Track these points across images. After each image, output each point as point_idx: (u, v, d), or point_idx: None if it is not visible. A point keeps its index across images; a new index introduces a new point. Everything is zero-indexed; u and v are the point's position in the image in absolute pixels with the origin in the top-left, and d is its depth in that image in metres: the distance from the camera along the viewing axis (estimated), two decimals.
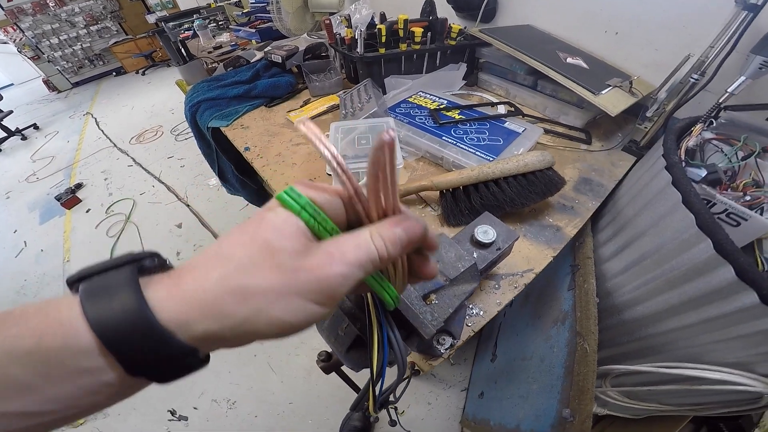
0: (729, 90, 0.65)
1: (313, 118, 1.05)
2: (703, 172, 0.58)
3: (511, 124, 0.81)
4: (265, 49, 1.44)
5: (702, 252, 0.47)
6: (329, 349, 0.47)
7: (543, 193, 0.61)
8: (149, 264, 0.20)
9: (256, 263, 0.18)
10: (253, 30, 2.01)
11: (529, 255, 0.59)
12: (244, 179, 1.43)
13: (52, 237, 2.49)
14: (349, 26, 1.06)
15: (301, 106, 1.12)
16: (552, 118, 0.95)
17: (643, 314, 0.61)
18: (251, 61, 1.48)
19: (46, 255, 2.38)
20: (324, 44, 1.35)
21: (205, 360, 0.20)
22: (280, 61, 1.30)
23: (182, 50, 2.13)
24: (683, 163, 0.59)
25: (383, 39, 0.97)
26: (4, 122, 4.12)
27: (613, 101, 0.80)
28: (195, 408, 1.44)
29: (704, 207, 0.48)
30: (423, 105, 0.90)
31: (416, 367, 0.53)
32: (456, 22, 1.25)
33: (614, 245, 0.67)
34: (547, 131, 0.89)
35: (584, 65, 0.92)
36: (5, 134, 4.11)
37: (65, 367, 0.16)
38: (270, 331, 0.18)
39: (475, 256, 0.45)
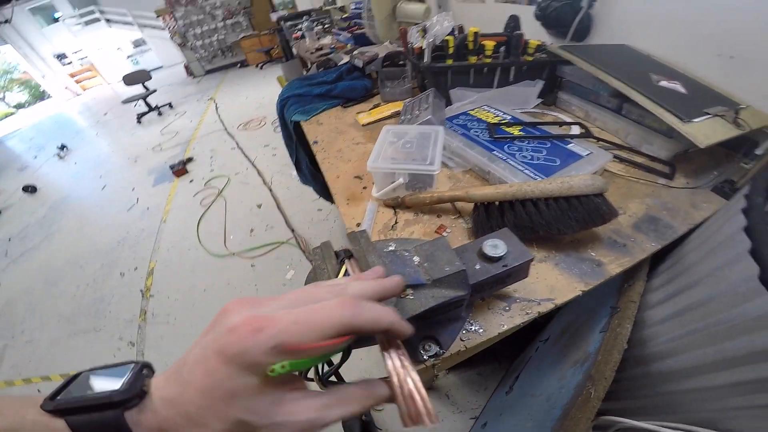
0: None
1: (377, 121, 1.11)
2: None
3: (575, 147, 0.76)
4: (351, 54, 1.55)
5: (756, 308, 0.40)
6: None
7: (585, 222, 0.56)
8: (134, 403, 0.23)
9: (207, 414, 0.21)
10: (350, 35, 2.16)
11: (554, 284, 0.55)
12: (315, 171, 1.56)
13: (159, 199, 2.99)
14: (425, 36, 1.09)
15: (370, 109, 1.18)
16: (633, 146, 0.86)
17: (671, 368, 0.53)
18: (339, 64, 1.62)
19: (149, 213, 2.86)
20: (402, 53, 1.40)
21: None
22: (361, 65, 1.40)
23: (285, 49, 2.39)
24: None
25: (450, 50, 0.98)
26: (149, 99, 5.07)
27: (706, 131, 0.70)
28: None
29: None
30: (483, 118, 0.89)
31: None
32: (545, 40, 1.20)
33: (664, 292, 0.58)
34: (621, 159, 0.81)
35: (682, 90, 0.81)
36: (147, 109, 5.06)
37: None
38: None
39: (477, 267, 0.44)
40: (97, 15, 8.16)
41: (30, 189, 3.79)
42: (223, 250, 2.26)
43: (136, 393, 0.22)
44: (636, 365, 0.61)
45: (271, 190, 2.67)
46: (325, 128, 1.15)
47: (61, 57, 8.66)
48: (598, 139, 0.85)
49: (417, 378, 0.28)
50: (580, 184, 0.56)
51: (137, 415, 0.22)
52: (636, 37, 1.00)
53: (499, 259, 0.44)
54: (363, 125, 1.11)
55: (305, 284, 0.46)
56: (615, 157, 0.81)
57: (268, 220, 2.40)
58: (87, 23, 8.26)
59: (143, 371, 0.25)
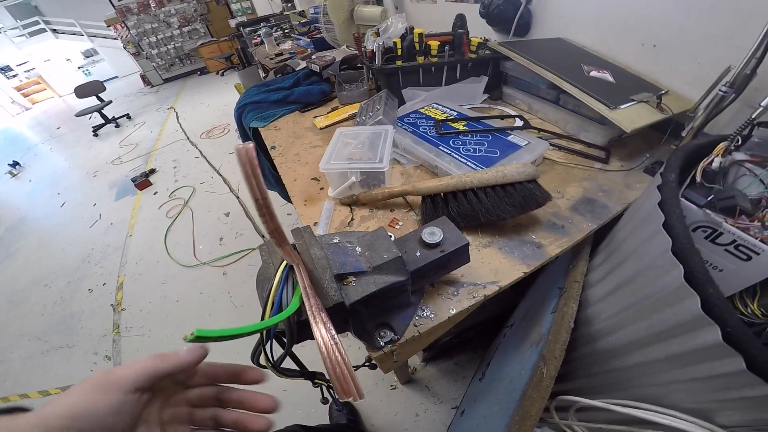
0: (763, 104, 0.58)
1: (334, 124, 1.12)
2: (711, 196, 0.52)
3: (515, 138, 0.80)
4: (308, 59, 1.55)
5: (673, 280, 0.43)
6: None
7: (521, 207, 0.59)
8: None
9: None
10: (309, 39, 2.16)
11: (498, 268, 0.58)
12: (278, 176, 1.55)
13: (122, 213, 2.88)
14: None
15: (328, 113, 1.19)
16: (573, 134, 0.91)
17: (613, 345, 0.57)
18: (296, 69, 1.61)
19: (113, 228, 2.75)
20: (357, 56, 1.42)
21: None
22: (318, 70, 1.40)
23: (242, 56, 2.36)
24: (696, 183, 0.54)
25: (399, 52, 1.01)
26: (105, 111, 4.82)
27: (632, 117, 0.75)
28: None
29: (685, 231, 0.44)
30: (432, 116, 0.92)
31: (372, 360, 0.55)
32: (492, 37, 1.25)
33: (602, 270, 0.63)
34: (560, 147, 0.86)
35: (610, 79, 0.87)
36: (103, 121, 4.81)
37: None
38: None
39: (417, 254, 0.47)
40: (42, 26, 7.68)
41: None
42: (193, 260, 2.21)
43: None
44: (584, 344, 0.64)
45: (238, 198, 2.63)
46: (282, 133, 1.15)
47: (4, 70, 8.08)
48: (539, 130, 0.90)
49: (343, 352, 0.32)
50: (513, 172, 0.60)
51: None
52: (571, 30, 1.07)
53: (436, 245, 0.47)
54: (320, 129, 1.12)
55: (256, 279, 0.46)
56: (553, 145, 0.86)
57: (237, 228, 2.36)
58: (31, 34, 7.76)
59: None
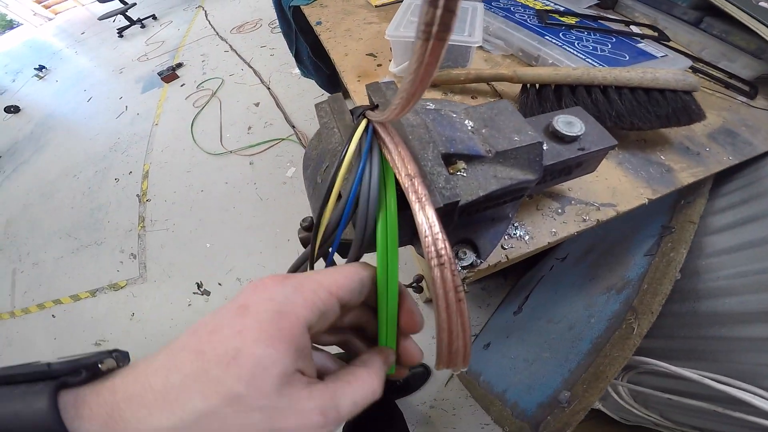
0: None
1: (393, 2, 0.93)
2: None
3: (647, 47, 0.62)
4: None
5: None
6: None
7: (667, 119, 0.45)
8: (76, 380, 0.15)
9: (217, 420, 0.14)
10: None
11: (617, 187, 0.45)
12: (317, 62, 1.42)
13: (149, 105, 2.81)
14: None
15: None
16: (710, 61, 0.72)
17: (727, 310, 0.46)
18: None
19: (140, 118, 2.70)
20: None
21: None
22: None
23: None
24: None
25: None
26: (128, 13, 4.62)
27: None
28: (219, 284, 1.55)
29: None
30: (530, 5, 0.72)
31: (420, 282, 0.44)
32: None
33: (733, 216, 0.49)
34: (696, 71, 0.68)
35: None
36: (128, 23, 4.61)
37: None
38: None
39: (545, 148, 0.33)
40: None
41: (12, 109, 3.63)
42: (220, 149, 2.14)
43: (83, 365, 0.15)
44: (682, 301, 0.53)
45: (269, 89, 2.47)
46: (330, 10, 0.97)
47: None
48: (669, 46, 0.70)
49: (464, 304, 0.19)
50: (668, 77, 0.44)
51: (82, 396, 0.15)
52: None
53: (574, 139, 0.33)
54: (376, 6, 0.94)
55: (305, 155, 0.33)
56: (690, 66, 0.68)
57: (267, 118, 2.25)
58: None
59: (113, 354, 0.18)
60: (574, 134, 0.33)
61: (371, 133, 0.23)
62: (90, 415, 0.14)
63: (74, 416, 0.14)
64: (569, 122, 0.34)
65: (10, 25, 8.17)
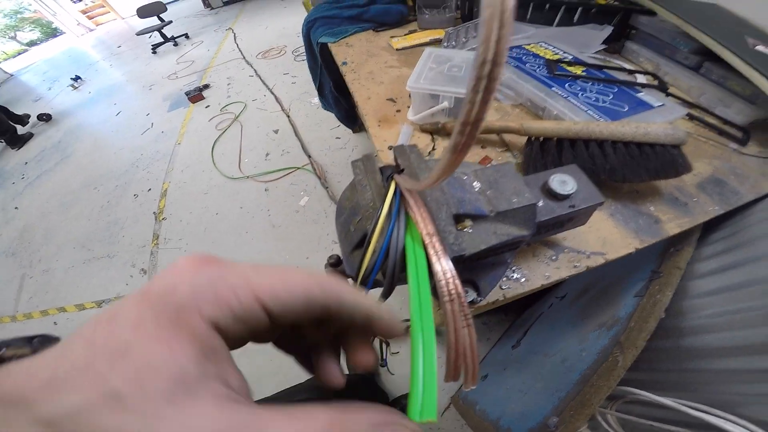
0: None
1: (413, 46, 1.01)
2: None
3: (646, 96, 0.67)
4: None
5: None
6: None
7: (656, 172, 0.49)
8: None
9: (89, 417, 0.12)
10: None
11: (607, 237, 0.50)
12: (338, 97, 1.50)
13: (174, 123, 2.94)
14: None
15: (405, 35, 1.08)
16: (706, 106, 0.77)
17: (708, 345, 0.50)
18: None
19: (164, 136, 2.83)
20: None
21: None
22: None
23: None
24: None
25: None
26: (164, 30, 4.92)
27: None
28: None
29: None
30: (540, 54, 0.78)
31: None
32: None
33: (717, 262, 0.54)
34: (692, 117, 0.72)
35: None
36: (162, 40, 4.91)
37: None
38: None
39: (540, 204, 0.38)
40: None
41: (45, 117, 3.79)
42: (237, 173, 2.22)
43: None
44: (667, 337, 0.57)
45: (288, 117, 2.57)
46: (355, 50, 1.05)
47: None
48: (668, 94, 0.76)
49: (473, 329, 0.24)
50: (658, 132, 0.49)
51: None
52: None
53: (566, 197, 0.38)
54: (397, 49, 1.01)
55: (338, 203, 0.40)
56: (687, 114, 0.72)
57: (285, 146, 2.33)
58: None
59: (33, 341, 0.17)
60: (567, 193, 0.38)
61: (399, 197, 0.30)
62: None
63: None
64: (563, 181, 0.39)
65: (54, 33, 8.67)
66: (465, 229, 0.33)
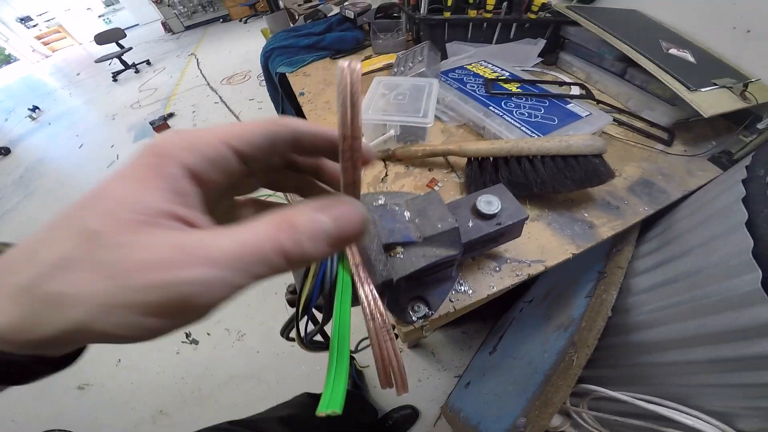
0: None
1: (368, 72, 1.04)
2: None
3: (575, 107, 0.72)
4: (341, 5, 1.44)
5: (745, 284, 0.39)
6: None
7: (581, 182, 0.53)
8: None
9: (72, 262, 0.13)
10: None
11: (545, 245, 0.53)
12: None
13: None
14: None
15: (362, 61, 1.11)
16: (634, 111, 0.83)
17: (651, 339, 0.53)
18: (328, 15, 1.50)
19: None
20: (397, 4, 1.31)
21: (66, 358, 0.17)
22: (352, 16, 1.30)
23: (271, 1, 2.22)
24: None
25: (449, 2, 0.91)
26: (124, 57, 4.78)
27: (711, 101, 0.67)
28: (208, 334, 1.58)
29: None
30: (480, 73, 0.83)
31: (395, 330, 0.52)
32: (554, 0, 1.12)
33: (652, 259, 0.58)
34: (620, 123, 0.78)
35: (691, 59, 0.77)
36: (123, 67, 4.77)
37: None
38: (105, 342, 0.14)
39: (470, 225, 0.41)
40: None
41: (3, 151, 3.60)
42: None
43: None
44: (617, 334, 0.61)
45: None
46: (312, 80, 1.08)
47: (25, 20, 8.02)
48: (598, 102, 0.81)
49: (395, 343, 0.26)
50: (579, 144, 0.53)
51: None
52: (648, 3, 0.94)
53: (493, 216, 0.42)
54: None
55: None
56: (614, 120, 0.78)
57: None
58: None
59: None
60: (492, 212, 0.41)
61: None
62: None
63: None
64: (489, 201, 0.42)
65: (8, 60, 8.31)
66: (396, 255, 0.36)
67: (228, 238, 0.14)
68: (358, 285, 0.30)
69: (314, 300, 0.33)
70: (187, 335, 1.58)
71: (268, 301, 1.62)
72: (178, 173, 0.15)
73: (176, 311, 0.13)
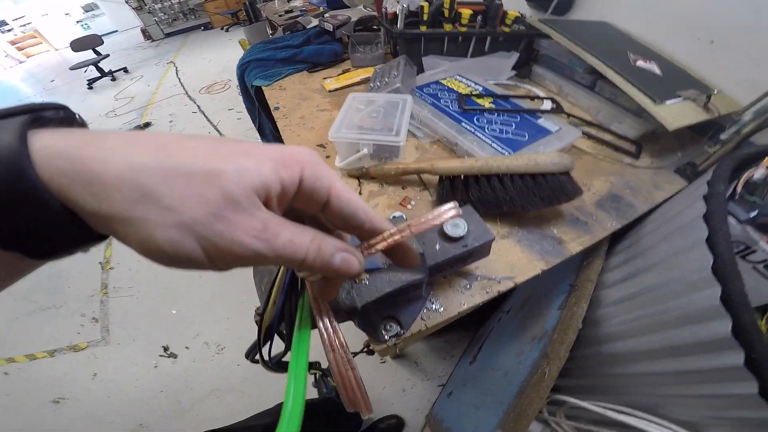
0: None
1: (345, 87, 1.04)
2: (755, 212, 0.48)
3: (545, 122, 0.74)
4: (320, 17, 1.44)
5: (705, 299, 0.40)
6: None
7: (549, 200, 0.54)
8: (51, 115, 0.17)
9: (186, 190, 0.15)
10: None
11: (515, 262, 0.54)
12: (279, 137, 1.50)
13: None
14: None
15: (338, 75, 1.11)
16: (603, 124, 0.85)
17: (620, 351, 0.55)
18: (306, 27, 1.50)
19: None
20: (376, 17, 1.32)
21: (96, 237, 0.17)
22: (331, 29, 1.30)
23: (250, 12, 2.22)
24: (736, 195, 0.50)
25: (425, 17, 0.92)
26: (101, 64, 4.68)
27: (675, 114, 0.69)
28: (187, 347, 1.55)
29: (729, 251, 0.40)
30: (454, 88, 0.85)
31: (370, 347, 0.51)
32: (527, 12, 1.15)
33: (621, 273, 0.59)
34: (590, 136, 0.80)
35: (657, 71, 0.80)
36: (99, 74, 4.66)
37: None
38: (139, 247, 0.16)
39: (437, 247, 0.41)
40: None
41: None
42: None
43: (61, 106, 0.17)
44: (588, 345, 0.62)
45: None
46: (288, 94, 1.07)
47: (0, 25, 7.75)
48: (569, 115, 0.83)
49: (356, 371, 0.29)
50: (546, 162, 0.54)
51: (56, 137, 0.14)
52: (618, 14, 0.97)
53: (459, 239, 0.42)
54: (329, 91, 1.04)
55: (253, 269, 0.41)
56: (584, 133, 0.79)
57: None
58: None
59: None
60: (459, 235, 0.41)
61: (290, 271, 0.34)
62: (59, 152, 0.14)
63: (45, 155, 0.13)
64: (456, 224, 0.42)
65: None
66: (363, 282, 0.36)
67: (288, 232, 0.19)
68: (317, 318, 0.31)
69: (274, 327, 0.35)
70: (165, 349, 1.54)
71: (248, 315, 1.57)
72: (296, 177, 0.19)
73: (220, 256, 0.17)
